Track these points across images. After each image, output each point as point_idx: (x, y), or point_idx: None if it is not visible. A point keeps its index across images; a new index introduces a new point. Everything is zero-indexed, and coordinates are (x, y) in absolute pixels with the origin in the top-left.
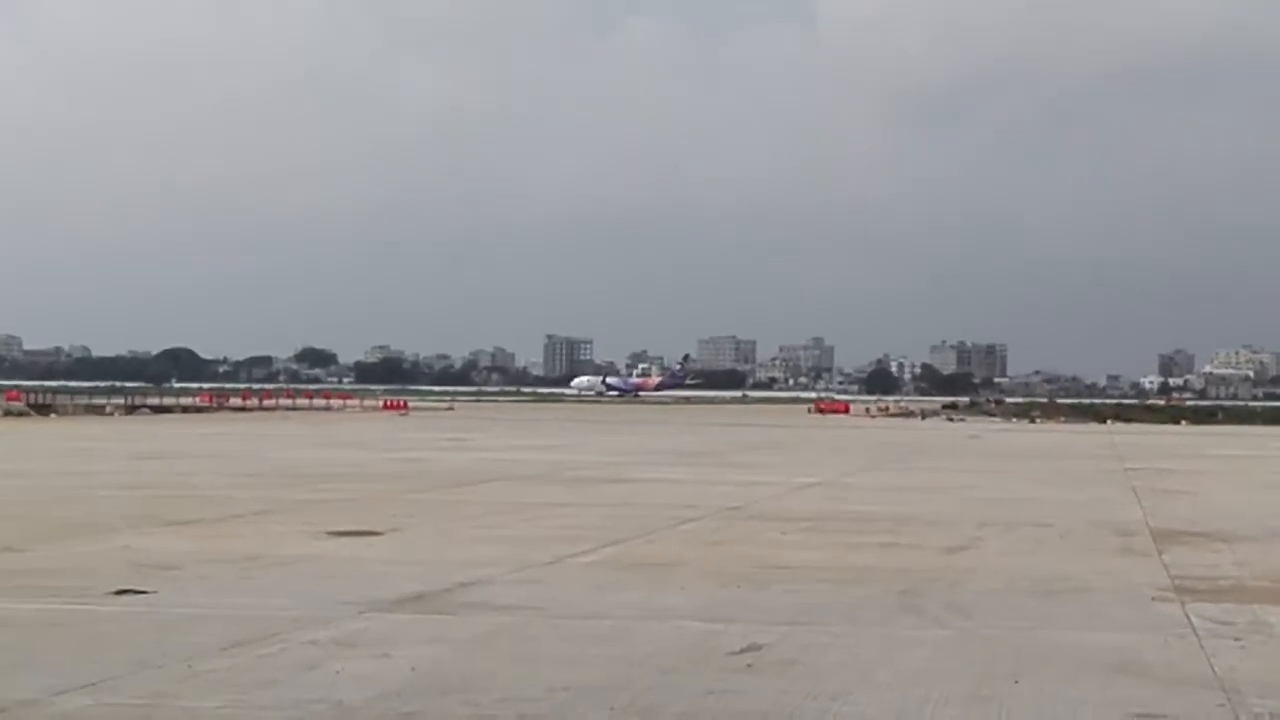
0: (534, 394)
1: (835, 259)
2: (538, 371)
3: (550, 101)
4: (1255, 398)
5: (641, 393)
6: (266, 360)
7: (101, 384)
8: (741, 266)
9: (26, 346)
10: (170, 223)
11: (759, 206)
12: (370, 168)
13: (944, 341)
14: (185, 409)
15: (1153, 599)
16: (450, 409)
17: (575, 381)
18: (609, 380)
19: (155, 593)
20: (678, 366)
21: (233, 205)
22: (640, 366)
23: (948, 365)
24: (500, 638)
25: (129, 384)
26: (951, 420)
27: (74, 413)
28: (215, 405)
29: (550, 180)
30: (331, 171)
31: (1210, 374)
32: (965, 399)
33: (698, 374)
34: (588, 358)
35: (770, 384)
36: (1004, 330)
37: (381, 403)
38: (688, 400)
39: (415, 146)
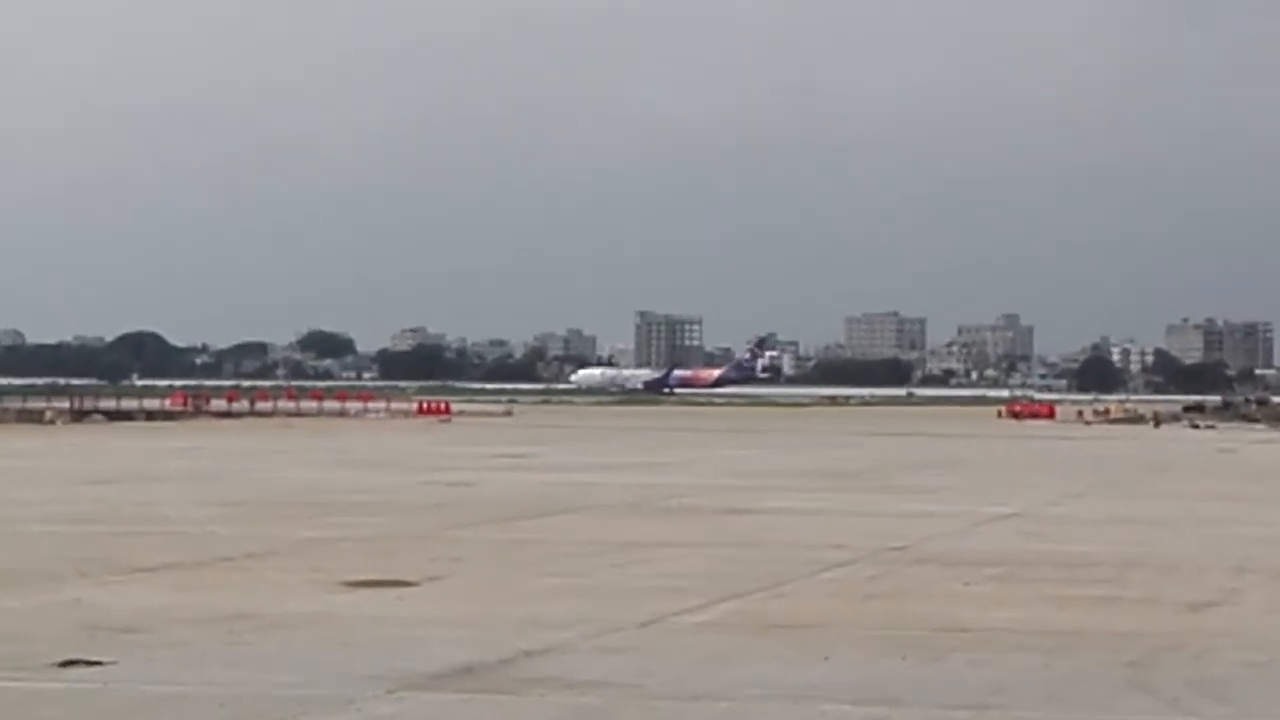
0: (621, 392)
1: (1033, 203)
2: (627, 362)
3: None
4: None
5: (679, 390)
6: (260, 348)
7: (39, 381)
8: (904, 215)
9: None
10: (125, 157)
11: (927, 130)
12: (398, 77)
13: (1185, 320)
14: (151, 414)
15: None
16: (508, 413)
17: (579, 374)
18: (624, 373)
19: (114, 664)
20: (747, 354)
21: (209, 131)
22: (768, 355)
23: (1190, 352)
24: None
25: (76, 381)
26: (1196, 427)
27: (2, 419)
28: (192, 409)
29: (643, 96)
30: (343, 83)
31: None
32: (1215, 398)
33: (846, 364)
34: (695, 342)
35: (946, 378)
36: (1270, 304)
37: (416, 405)
38: (833, 401)
39: (459, 48)
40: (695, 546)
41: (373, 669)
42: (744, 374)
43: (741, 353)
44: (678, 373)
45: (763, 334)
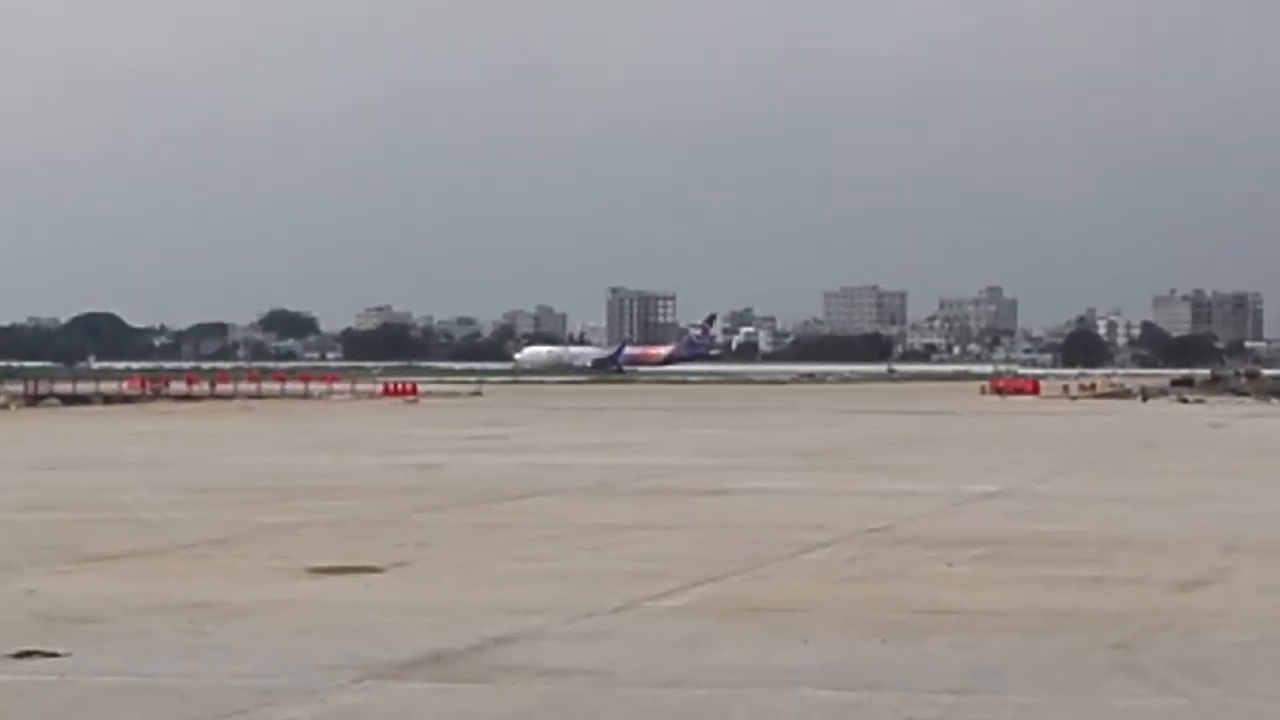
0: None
1: (1016, 174)
2: (599, 340)
3: None
4: None
5: (628, 368)
6: (220, 329)
7: None
8: (883, 187)
9: None
10: (77, 132)
11: (906, 103)
12: (360, 52)
13: (1173, 291)
14: (109, 398)
15: None
16: (477, 394)
17: (525, 352)
18: (571, 350)
19: (69, 655)
20: (697, 331)
21: (167, 109)
22: (743, 331)
23: (1179, 325)
24: (551, 715)
25: (29, 364)
26: (1185, 401)
27: None
28: (150, 392)
29: (614, 70)
30: (304, 59)
31: None
32: (1204, 372)
33: (825, 340)
34: (668, 319)
35: (927, 353)
36: (1259, 275)
37: (381, 386)
38: (811, 378)
39: (422, 22)
40: (670, 529)
41: (338, 658)
42: (695, 351)
43: (692, 329)
44: (628, 350)
45: (711, 312)
